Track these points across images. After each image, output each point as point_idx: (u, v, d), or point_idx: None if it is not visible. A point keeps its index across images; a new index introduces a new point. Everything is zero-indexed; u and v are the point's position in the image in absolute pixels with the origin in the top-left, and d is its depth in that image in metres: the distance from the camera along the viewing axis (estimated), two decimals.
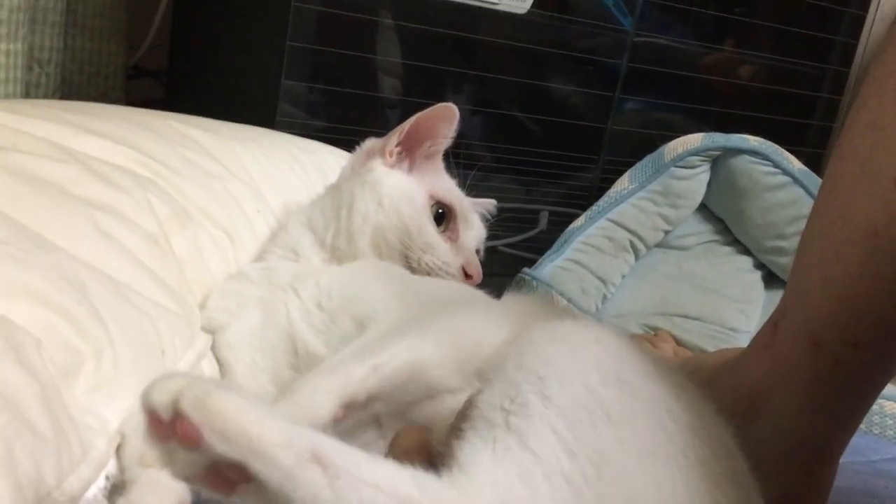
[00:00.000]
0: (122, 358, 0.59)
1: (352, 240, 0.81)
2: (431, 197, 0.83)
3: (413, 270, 0.80)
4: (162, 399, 0.42)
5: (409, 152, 0.85)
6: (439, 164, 0.88)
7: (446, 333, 0.62)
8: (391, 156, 0.84)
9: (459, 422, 0.51)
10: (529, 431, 0.47)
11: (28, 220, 0.63)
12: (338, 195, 0.85)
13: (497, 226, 1.55)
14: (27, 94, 1.35)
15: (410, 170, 0.86)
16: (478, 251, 0.88)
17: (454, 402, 0.59)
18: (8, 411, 0.46)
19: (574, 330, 0.55)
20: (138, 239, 0.71)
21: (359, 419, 0.56)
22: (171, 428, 0.41)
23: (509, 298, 0.77)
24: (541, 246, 1.43)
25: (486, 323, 0.65)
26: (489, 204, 0.97)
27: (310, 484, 0.41)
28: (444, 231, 0.83)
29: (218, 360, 0.75)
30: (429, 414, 0.60)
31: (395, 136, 0.84)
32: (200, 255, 0.79)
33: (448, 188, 0.87)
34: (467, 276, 0.81)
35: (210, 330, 0.76)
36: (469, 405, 0.51)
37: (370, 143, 0.88)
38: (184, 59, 1.72)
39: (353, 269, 0.79)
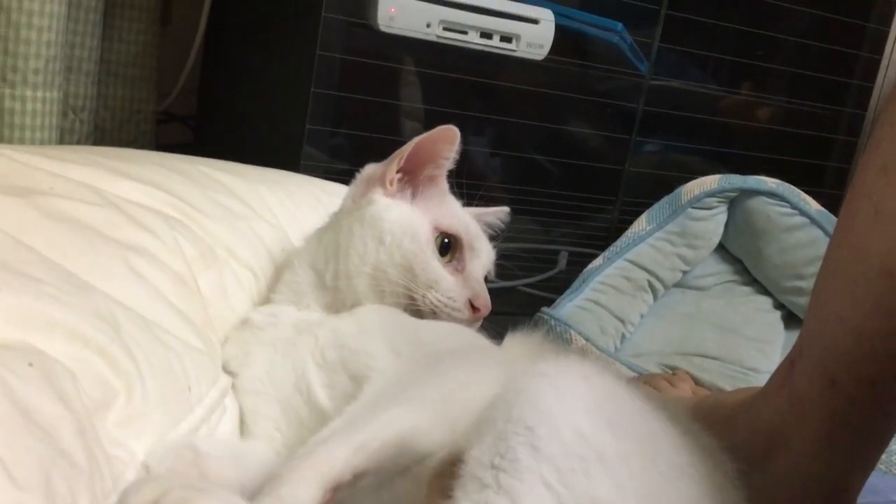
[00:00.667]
0: (151, 393, 0.62)
1: (350, 281, 0.78)
2: (436, 228, 0.79)
3: (418, 309, 0.77)
4: None
5: (412, 178, 0.81)
6: (443, 185, 0.83)
7: (435, 398, 0.60)
8: (392, 184, 0.80)
9: (443, 479, 0.51)
10: (521, 489, 0.46)
11: (65, 262, 0.66)
12: (337, 232, 0.81)
13: (517, 266, 1.57)
14: (62, 140, 1.39)
15: (413, 197, 0.82)
16: (486, 276, 0.83)
17: (440, 457, 0.57)
18: (45, 440, 0.49)
19: (560, 372, 0.53)
20: (167, 279, 0.74)
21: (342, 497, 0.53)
22: None
23: (510, 340, 0.75)
24: (560, 286, 1.45)
25: (479, 378, 0.62)
26: (501, 212, 0.92)
27: None
28: (449, 261, 0.79)
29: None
30: (420, 474, 0.58)
31: (395, 163, 0.80)
32: (225, 293, 0.82)
33: (452, 213, 0.82)
34: (474, 308, 0.77)
35: (227, 374, 0.77)
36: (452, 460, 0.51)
37: (370, 169, 0.83)
38: (212, 105, 1.77)
39: (352, 321, 0.75)
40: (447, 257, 0.79)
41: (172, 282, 0.75)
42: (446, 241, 0.79)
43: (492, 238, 0.87)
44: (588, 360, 0.63)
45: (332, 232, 0.82)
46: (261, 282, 0.87)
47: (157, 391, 0.63)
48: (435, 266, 0.77)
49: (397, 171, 0.80)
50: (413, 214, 0.79)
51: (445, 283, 0.77)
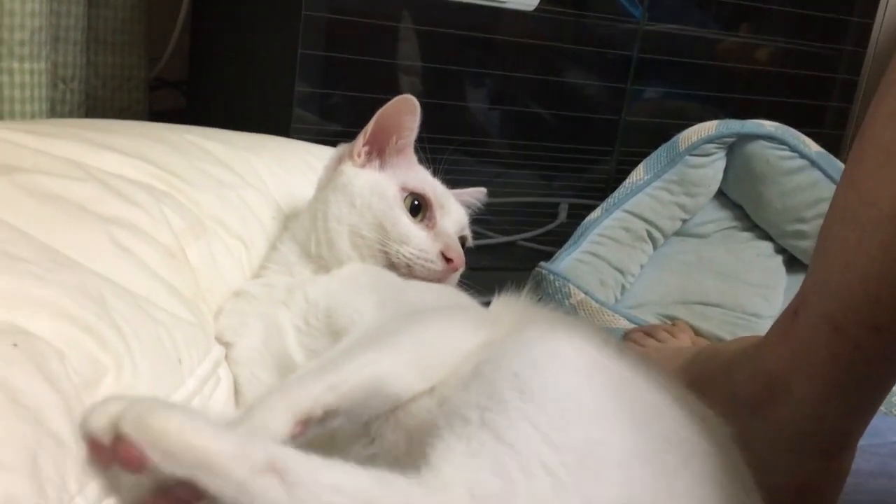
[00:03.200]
0: (140, 368, 0.62)
1: (332, 245, 0.82)
2: (403, 189, 0.83)
3: (394, 266, 0.80)
4: (101, 423, 0.40)
5: (379, 150, 0.86)
6: (411, 156, 0.88)
7: (409, 344, 0.62)
8: (359, 156, 0.85)
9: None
10: (505, 425, 0.47)
11: (49, 239, 0.66)
12: (314, 204, 0.86)
13: (517, 221, 1.57)
14: (53, 111, 1.39)
15: (382, 167, 0.86)
16: (464, 238, 0.87)
17: (425, 405, 0.60)
18: (31, 420, 0.49)
19: (548, 338, 0.55)
20: (154, 252, 0.74)
21: (319, 433, 0.55)
22: (112, 452, 0.40)
23: (497, 302, 0.76)
24: (562, 239, 1.44)
25: (455, 330, 0.65)
26: (479, 193, 0.96)
27: (266, 493, 0.40)
28: (421, 220, 0.83)
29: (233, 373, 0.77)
30: (399, 419, 0.60)
31: (361, 138, 0.85)
32: (215, 264, 0.82)
33: (421, 178, 0.86)
34: (448, 260, 0.80)
35: (221, 345, 0.78)
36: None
37: (341, 148, 0.89)
38: (203, 69, 1.75)
39: (339, 277, 0.79)
40: (418, 217, 0.83)
41: (160, 254, 0.75)
42: (416, 202, 0.83)
43: (474, 218, 0.93)
44: (577, 327, 0.64)
45: (311, 207, 0.87)
46: (251, 251, 0.87)
47: (146, 365, 0.63)
48: (405, 222, 0.81)
49: (364, 145, 0.85)
50: (380, 178, 0.84)
51: (417, 237, 0.81)
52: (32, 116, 1.28)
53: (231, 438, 0.40)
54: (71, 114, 1.48)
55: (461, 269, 0.82)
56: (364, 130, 0.85)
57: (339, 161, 0.87)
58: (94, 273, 0.66)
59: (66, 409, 0.53)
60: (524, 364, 0.51)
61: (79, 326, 0.60)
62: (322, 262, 0.83)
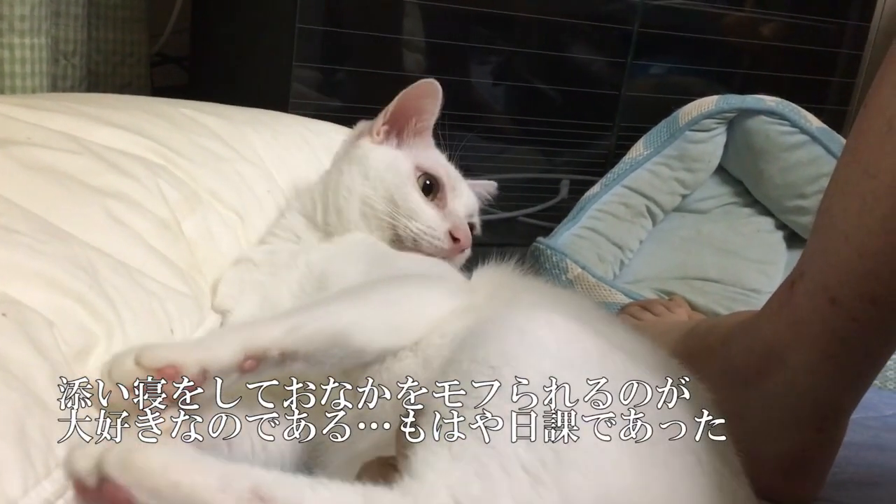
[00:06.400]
0: (131, 338, 0.62)
1: (340, 214, 0.83)
2: (418, 168, 0.84)
3: (401, 239, 0.81)
4: (85, 465, 0.42)
5: (398, 130, 0.88)
6: (429, 139, 0.89)
7: (379, 301, 0.64)
8: (378, 134, 0.87)
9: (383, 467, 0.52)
10: (488, 423, 0.48)
11: (43, 211, 0.66)
12: (329, 174, 0.88)
13: (519, 196, 1.57)
14: (54, 87, 1.38)
15: (399, 146, 0.87)
16: (473, 224, 0.88)
17: (404, 366, 0.62)
18: (19, 388, 0.50)
19: (524, 317, 0.55)
20: (149, 224, 0.75)
21: (273, 374, 0.57)
22: (98, 494, 0.41)
23: (481, 271, 0.77)
24: (563, 215, 1.44)
25: (429, 293, 0.67)
26: (490, 186, 0.97)
27: None
28: (431, 200, 0.84)
29: None
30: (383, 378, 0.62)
31: (381, 117, 0.87)
32: (211, 236, 0.82)
33: (435, 160, 0.87)
34: (455, 240, 0.81)
35: (220, 314, 0.78)
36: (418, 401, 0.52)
37: (361, 125, 0.90)
38: (204, 44, 1.75)
39: (340, 245, 0.80)
40: (430, 196, 0.84)
41: (155, 227, 0.75)
42: (429, 182, 0.84)
43: (481, 211, 0.94)
44: (559, 300, 0.64)
45: (325, 176, 0.89)
46: (246, 223, 0.87)
47: (137, 335, 0.63)
48: (416, 198, 0.82)
49: (384, 124, 0.87)
50: (397, 155, 0.85)
51: (426, 214, 0.82)
52: (33, 92, 1.28)
53: (214, 470, 0.42)
54: (72, 89, 1.48)
55: (467, 251, 0.83)
56: (385, 110, 0.87)
57: (358, 137, 0.89)
58: (87, 245, 0.66)
59: (55, 378, 0.53)
60: (500, 357, 0.51)
61: (70, 297, 0.60)
62: (328, 230, 0.84)
